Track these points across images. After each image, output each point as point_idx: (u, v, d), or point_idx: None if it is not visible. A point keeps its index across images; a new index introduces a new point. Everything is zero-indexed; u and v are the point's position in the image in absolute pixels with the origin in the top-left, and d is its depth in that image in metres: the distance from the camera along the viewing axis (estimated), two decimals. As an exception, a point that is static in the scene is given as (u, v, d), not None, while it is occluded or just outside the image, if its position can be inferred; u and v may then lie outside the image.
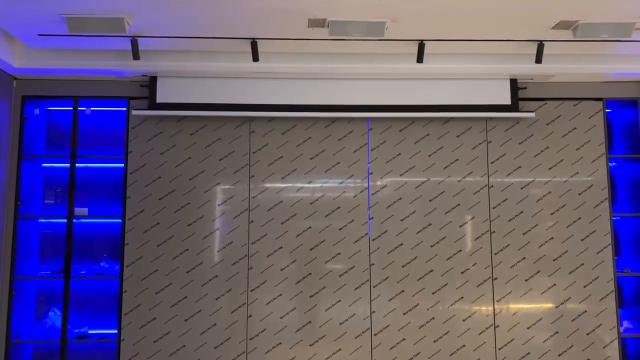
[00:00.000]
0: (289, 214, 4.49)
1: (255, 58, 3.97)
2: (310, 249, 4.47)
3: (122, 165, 4.56)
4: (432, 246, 4.49)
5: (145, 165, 4.51)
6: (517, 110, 4.52)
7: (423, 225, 4.51)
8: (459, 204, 4.54)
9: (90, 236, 4.73)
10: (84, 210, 4.58)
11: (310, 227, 4.49)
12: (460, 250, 4.50)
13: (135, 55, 3.90)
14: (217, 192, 4.50)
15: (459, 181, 4.56)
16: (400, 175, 4.55)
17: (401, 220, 4.51)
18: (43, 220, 4.75)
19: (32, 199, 4.69)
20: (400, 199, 4.54)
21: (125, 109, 4.62)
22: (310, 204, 4.51)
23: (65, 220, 4.52)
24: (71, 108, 4.62)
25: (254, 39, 3.92)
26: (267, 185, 4.51)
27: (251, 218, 4.48)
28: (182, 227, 4.46)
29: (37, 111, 4.62)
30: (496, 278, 4.47)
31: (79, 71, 4.33)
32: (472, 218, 4.53)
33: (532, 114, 4.53)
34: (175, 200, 4.48)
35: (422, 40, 3.95)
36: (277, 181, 4.52)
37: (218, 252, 4.45)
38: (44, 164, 4.82)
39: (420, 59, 3.98)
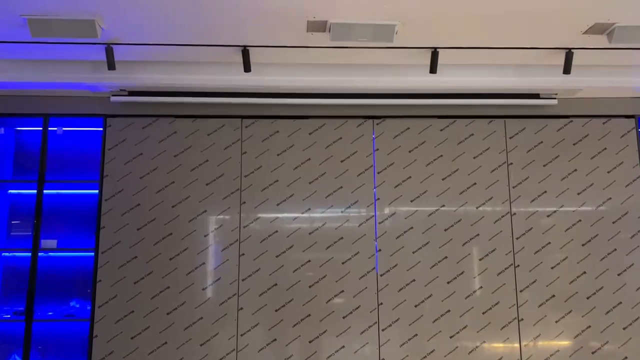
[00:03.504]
0: (285, 246, 3.99)
1: (247, 68, 3.54)
2: (310, 286, 3.94)
3: (97, 191, 4.04)
4: (448, 283, 3.96)
5: (122, 191, 4.01)
6: (538, 97, 4.11)
7: (438, 258, 3.98)
8: (477, 234, 4.02)
9: (59, 272, 4.21)
10: (52, 243, 4.07)
11: (309, 260, 3.97)
12: (481, 287, 3.96)
13: (111, 65, 3.46)
14: (203, 221, 4.00)
15: (477, 208, 4.05)
16: (411, 201, 4.05)
17: (413, 252, 3.99)
18: (7, 254, 4.23)
19: (-5, 229, 4.17)
20: (412, 228, 4.02)
21: (101, 128, 4.13)
22: (310, 234, 4.01)
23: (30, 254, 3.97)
24: (40, 128, 4.12)
25: (245, 46, 3.47)
26: (261, 213, 4.02)
27: (242, 250, 3.95)
28: (162, 262, 3.93)
29: (1, 130, 4.13)
30: (522, 319, 3.92)
31: (49, 85, 3.86)
32: (493, 250, 4.01)
33: (555, 101, 4.11)
34: (155, 231, 3.97)
35: (435, 48, 3.51)
36: (271, 208, 4.03)
37: (204, 290, 3.91)
38: (10, 191, 4.31)
39: (433, 69, 3.54)
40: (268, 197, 4.04)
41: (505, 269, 3.99)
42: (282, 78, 3.86)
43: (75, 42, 3.35)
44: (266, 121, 4.13)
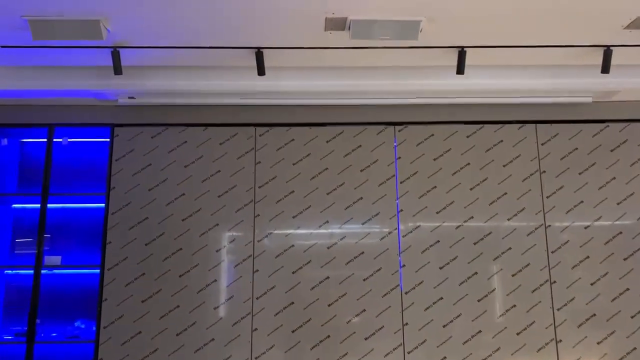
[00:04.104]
0: (301, 262, 3.74)
1: (261, 71, 3.34)
2: (329, 305, 3.68)
3: (103, 205, 3.83)
4: (479, 301, 3.67)
5: (130, 204, 3.79)
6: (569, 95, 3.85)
7: (467, 274, 3.70)
8: (509, 248, 3.74)
9: (64, 290, 3.99)
10: (56, 259, 3.87)
11: (328, 277, 3.72)
12: (515, 306, 3.66)
13: (117, 70, 3.27)
14: (215, 236, 3.77)
15: (508, 220, 3.77)
16: (437, 213, 3.79)
17: (440, 268, 3.71)
18: (10, 271, 4.02)
19: (-2, 246, 3.97)
20: (438, 242, 3.75)
21: (108, 139, 3.93)
22: (328, 248, 3.75)
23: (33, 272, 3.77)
24: (45, 140, 3.93)
25: (259, 48, 3.26)
26: (276, 226, 3.78)
27: (256, 267, 3.71)
28: (172, 279, 3.70)
29: (5, 141, 3.97)
30: (560, 340, 3.60)
31: (53, 93, 3.68)
32: (527, 265, 3.72)
33: (589, 99, 3.83)
34: (164, 246, 3.74)
35: (462, 48, 3.27)
36: (287, 221, 3.79)
37: (215, 310, 3.67)
38: (14, 205, 4.12)
39: (460, 70, 3.31)
40: (283, 210, 3.80)
41: (541, 285, 3.69)
42: (297, 83, 3.64)
43: (80, 45, 3.18)
44: (281, 129, 3.91)
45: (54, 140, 3.94)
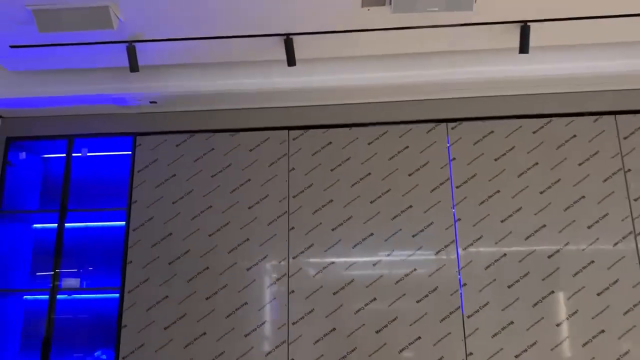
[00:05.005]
0: (343, 281, 3.28)
1: (292, 61, 2.99)
2: (377, 332, 3.18)
3: (124, 223, 3.50)
4: (557, 325, 3.08)
5: (152, 218, 3.45)
6: None
7: (542, 294, 3.13)
8: (592, 262, 3.15)
9: (84, 316, 3.68)
10: (74, 282, 3.57)
11: (374, 299, 3.23)
12: (603, 332, 3.04)
13: (133, 67, 2.97)
14: (245, 252, 3.37)
15: (589, 228, 3.19)
16: (502, 222, 3.25)
17: (508, 287, 3.16)
18: (29, 296, 3.72)
19: (16, 268, 3.73)
20: (504, 255, 3.19)
21: (129, 152, 3.63)
22: (374, 265, 3.28)
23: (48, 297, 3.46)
24: (64, 155, 3.68)
25: (288, 35, 2.88)
26: (313, 240, 3.35)
27: (291, 287, 3.27)
28: (198, 302, 3.31)
29: (23, 155, 3.74)
30: (664, 375, 2.93)
31: (69, 100, 3.44)
32: (616, 282, 3.11)
33: None
34: (190, 265, 3.38)
35: (525, 22, 2.78)
36: (325, 234, 3.36)
37: (246, 337, 3.24)
38: (34, 225, 3.86)
39: (524, 48, 2.82)
40: (321, 222, 3.36)
41: (634, 306, 3.07)
42: (333, 77, 3.26)
43: (93, 41, 2.90)
44: (317, 131, 3.52)
45: (73, 154, 3.68)
